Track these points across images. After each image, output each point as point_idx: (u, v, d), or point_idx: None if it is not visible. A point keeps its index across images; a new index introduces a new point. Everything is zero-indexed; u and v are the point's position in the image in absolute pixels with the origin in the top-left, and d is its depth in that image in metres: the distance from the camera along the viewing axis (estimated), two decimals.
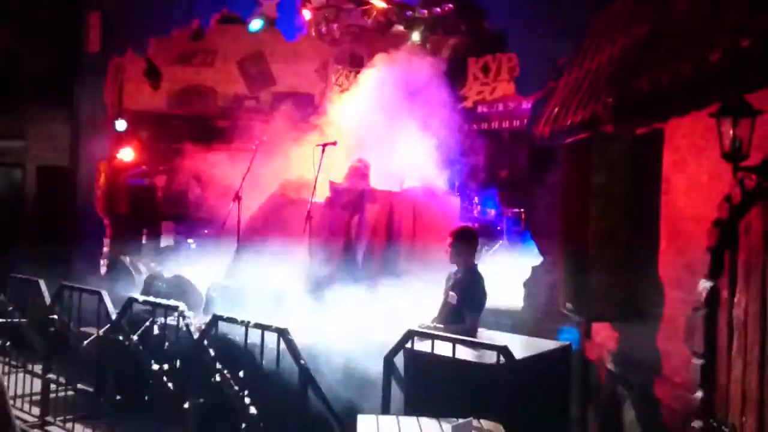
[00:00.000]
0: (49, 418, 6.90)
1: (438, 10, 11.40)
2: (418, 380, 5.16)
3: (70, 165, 12.11)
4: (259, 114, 11.98)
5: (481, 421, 4.25)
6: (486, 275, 6.17)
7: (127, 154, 11.24)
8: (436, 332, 5.40)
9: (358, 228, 8.19)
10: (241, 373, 5.57)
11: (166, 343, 6.19)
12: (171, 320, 6.28)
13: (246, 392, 5.50)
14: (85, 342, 6.76)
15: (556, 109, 6.37)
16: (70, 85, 11.99)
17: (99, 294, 6.72)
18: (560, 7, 6.89)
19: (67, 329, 7.06)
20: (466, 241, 6.24)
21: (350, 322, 6.31)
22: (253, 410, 5.43)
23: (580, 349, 6.10)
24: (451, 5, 11.37)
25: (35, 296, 7.32)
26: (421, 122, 9.53)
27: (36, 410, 7.01)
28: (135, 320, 6.59)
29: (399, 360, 5.26)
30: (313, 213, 7.73)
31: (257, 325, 5.48)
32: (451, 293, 6.09)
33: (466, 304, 5.95)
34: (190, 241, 10.86)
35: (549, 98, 6.81)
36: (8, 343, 7.61)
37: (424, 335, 5.25)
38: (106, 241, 10.84)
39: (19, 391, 7.10)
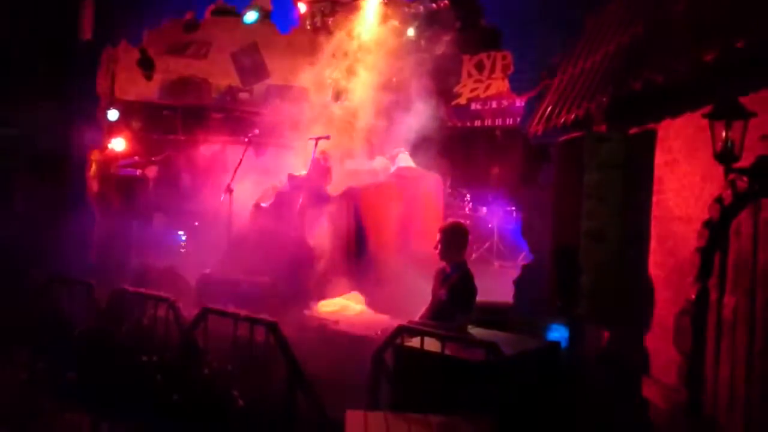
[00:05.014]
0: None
1: (433, 5, 11.38)
2: (407, 376, 5.16)
3: (62, 154, 12.00)
4: (253, 106, 11.94)
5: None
6: (476, 272, 6.17)
7: (118, 144, 11.19)
8: (426, 329, 5.39)
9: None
10: (229, 366, 5.56)
11: (155, 335, 6.17)
12: (161, 312, 6.25)
13: (234, 385, 5.48)
14: (74, 333, 6.71)
15: (550, 108, 6.37)
16: (62, 73, 11.86)
17: (89, 285, 6.67)
18: (555, 5, 6.87)
19: (56, 320, 7.02)
20: (456, 237, 6.21)
21: None
22: (240, 403, 5.42)
23: (569, 348, 6.11)
24: (446, 1, 11.34)
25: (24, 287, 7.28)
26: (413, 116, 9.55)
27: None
28: (125, 311, 6.55)
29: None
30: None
31: (247, 318, 5.46)
32: (440, 290, 6.07)
33: (455, 301, 5.93)
34: (180, 232, 10.82)
35: (543, 96, 6.82)
36: None
37: (413, 331, 5.24)
38: (97, 231, 10.79)
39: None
